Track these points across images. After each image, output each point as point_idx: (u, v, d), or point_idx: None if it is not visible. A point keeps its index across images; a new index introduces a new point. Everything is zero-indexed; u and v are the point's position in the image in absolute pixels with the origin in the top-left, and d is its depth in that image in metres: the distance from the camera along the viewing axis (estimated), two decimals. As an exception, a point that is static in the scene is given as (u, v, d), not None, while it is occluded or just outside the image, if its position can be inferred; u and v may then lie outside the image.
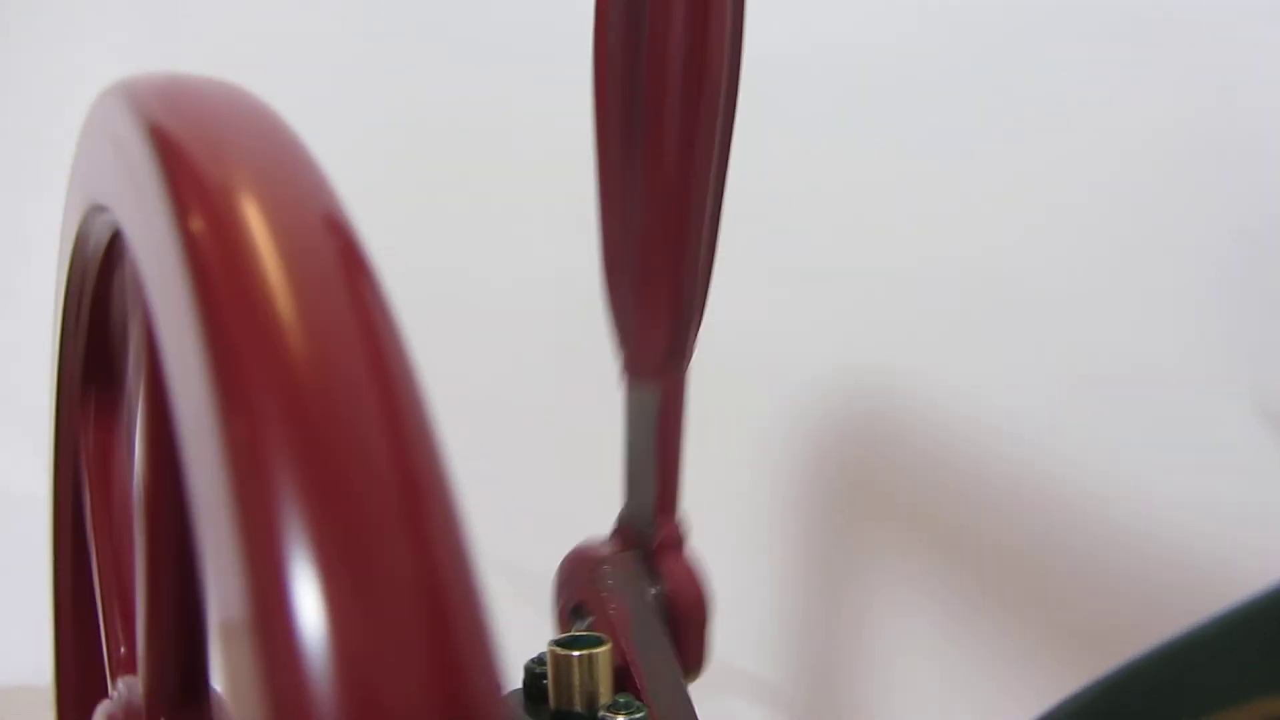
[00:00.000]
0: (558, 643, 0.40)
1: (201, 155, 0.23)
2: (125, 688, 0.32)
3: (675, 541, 0.48)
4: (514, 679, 0.42)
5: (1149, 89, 0.67)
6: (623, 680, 0.40)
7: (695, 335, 0.48)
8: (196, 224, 0.21)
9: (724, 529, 0.86)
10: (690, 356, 0.48)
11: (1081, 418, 0.70)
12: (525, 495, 0.91)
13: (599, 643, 0.40)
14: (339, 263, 0.22)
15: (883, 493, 0.79)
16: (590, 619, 0.44)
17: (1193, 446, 0.66)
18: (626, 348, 0.48)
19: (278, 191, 0.22)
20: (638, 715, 0.37)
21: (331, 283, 0.21)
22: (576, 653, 0.39)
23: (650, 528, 0.48)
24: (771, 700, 0.87)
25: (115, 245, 0.34)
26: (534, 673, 0.41)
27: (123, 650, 0.36)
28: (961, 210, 0.75)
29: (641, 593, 0.46)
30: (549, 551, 0.52)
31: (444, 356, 0.97)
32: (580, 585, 0.47)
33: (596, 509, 0.53)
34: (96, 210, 0.31)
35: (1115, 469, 0.68)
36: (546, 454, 0.93)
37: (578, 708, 0.39)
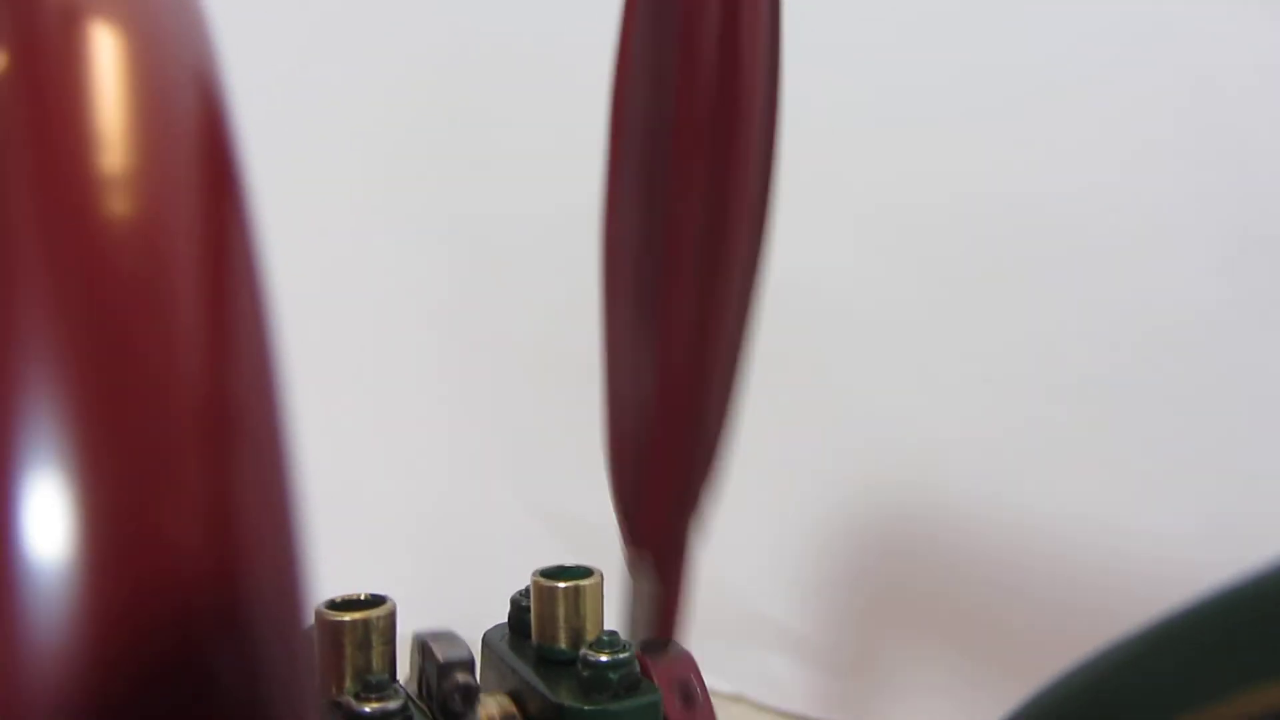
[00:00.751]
0: (543, 573, 0.36)
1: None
2: None
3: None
4: (501, 613, 0.38)
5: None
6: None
7: (703, 504, 0.41)
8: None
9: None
10: (696, 527, 0.41)
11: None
12: (573, 445, 0.88)
13: (587, 574, 0.36)
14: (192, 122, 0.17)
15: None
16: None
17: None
18: (627, 516, 0.41)
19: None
20: (622, 655, 0.33)
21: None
22: (562, 584, 0.35)
23: None
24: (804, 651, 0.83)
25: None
26: (519, 605, 0.37)
27: None
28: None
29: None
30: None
31: (493, 299, 0.94)
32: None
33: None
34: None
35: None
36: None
37: (561, 644, 0.35)
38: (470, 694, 0.32)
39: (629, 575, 0.40)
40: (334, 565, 0.37)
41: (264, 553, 0.13)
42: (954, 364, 0.78)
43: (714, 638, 0.94)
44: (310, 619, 0.14)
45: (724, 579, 0.90)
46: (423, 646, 0.34)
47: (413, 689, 0.34)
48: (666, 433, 0.39)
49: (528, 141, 0.91)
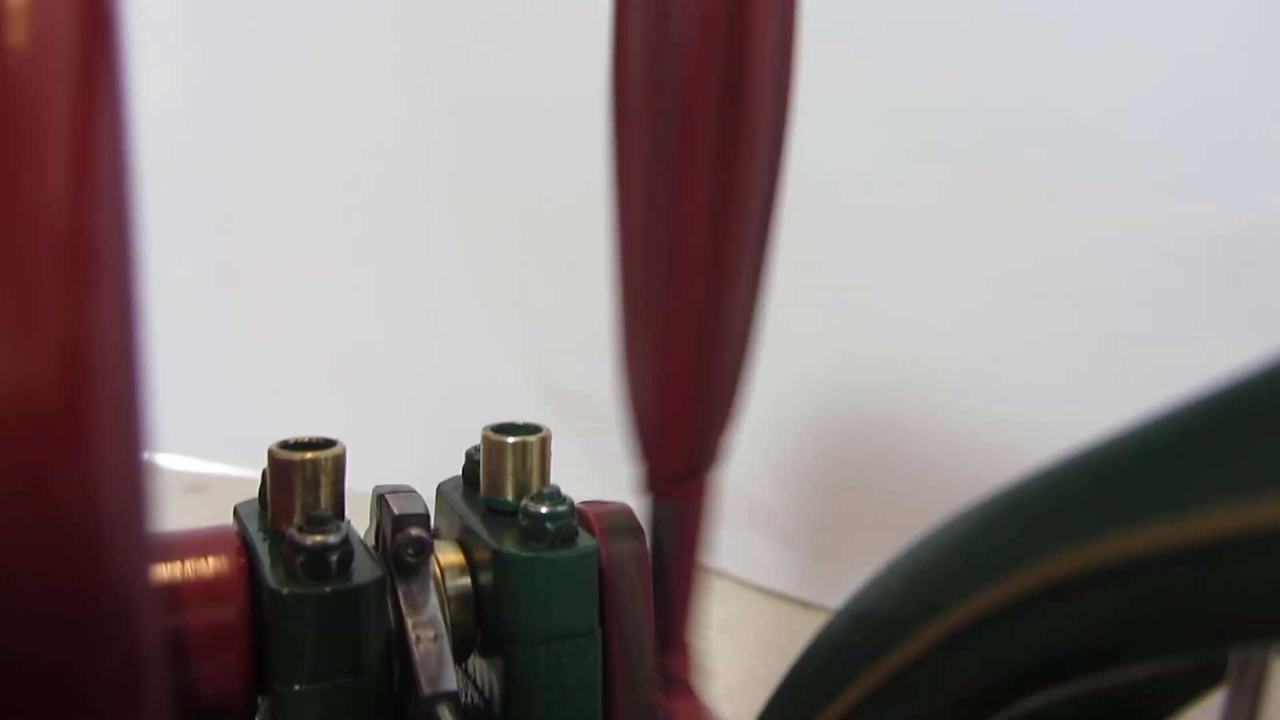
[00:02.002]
0: (493, 428, 0.37)
1: None
2: None
3: (682, 678, 0.40)
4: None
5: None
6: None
7: (721, 450, 0.40)
8: None
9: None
10: (714, 471, 0.40)
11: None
12: (577, 323, 0.89)
13: (535, 431, 0.37)
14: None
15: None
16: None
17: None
18: (644, 461, 0.40)
19: None
20: (561, 508, 0.34)
21: None
22: (511, 439, 0.36)
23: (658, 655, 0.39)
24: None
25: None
26: (472, 459, 0.39)
27: None
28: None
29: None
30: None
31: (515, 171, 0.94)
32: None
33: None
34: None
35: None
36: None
37: (508, 496, 0.36)
38: (422, 548, 0.33)
39: (649, 500, 0.41)
40: (344, 428, 0.39)
41: (112, 387, 0.14)
42: (958, 266, 0.78)
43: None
44: (151, 454, 0.15)
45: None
46: (380, 500, 0.35)
47: (371, 542, 0.36)
48: (680, 395, 0.38)
49: (531, 37, 0.90)
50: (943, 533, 0.20)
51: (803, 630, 0.85)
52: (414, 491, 0.35)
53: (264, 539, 0.33)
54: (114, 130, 0.15)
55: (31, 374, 0.14)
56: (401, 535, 0.33)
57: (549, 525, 0.34)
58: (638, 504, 0.39)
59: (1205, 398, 0.16)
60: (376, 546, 0.35)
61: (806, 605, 0.89)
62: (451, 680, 0.32)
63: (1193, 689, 0.24)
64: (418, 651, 0.32)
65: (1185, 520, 0.15)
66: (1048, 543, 0.18)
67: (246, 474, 1.03)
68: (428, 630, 0.32)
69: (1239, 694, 0.19)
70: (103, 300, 0.14)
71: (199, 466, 1.09)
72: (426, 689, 0.31)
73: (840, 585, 0.87)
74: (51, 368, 0.14)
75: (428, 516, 0.34)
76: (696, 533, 0.41)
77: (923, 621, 0.20)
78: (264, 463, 0.34)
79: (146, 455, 0.14)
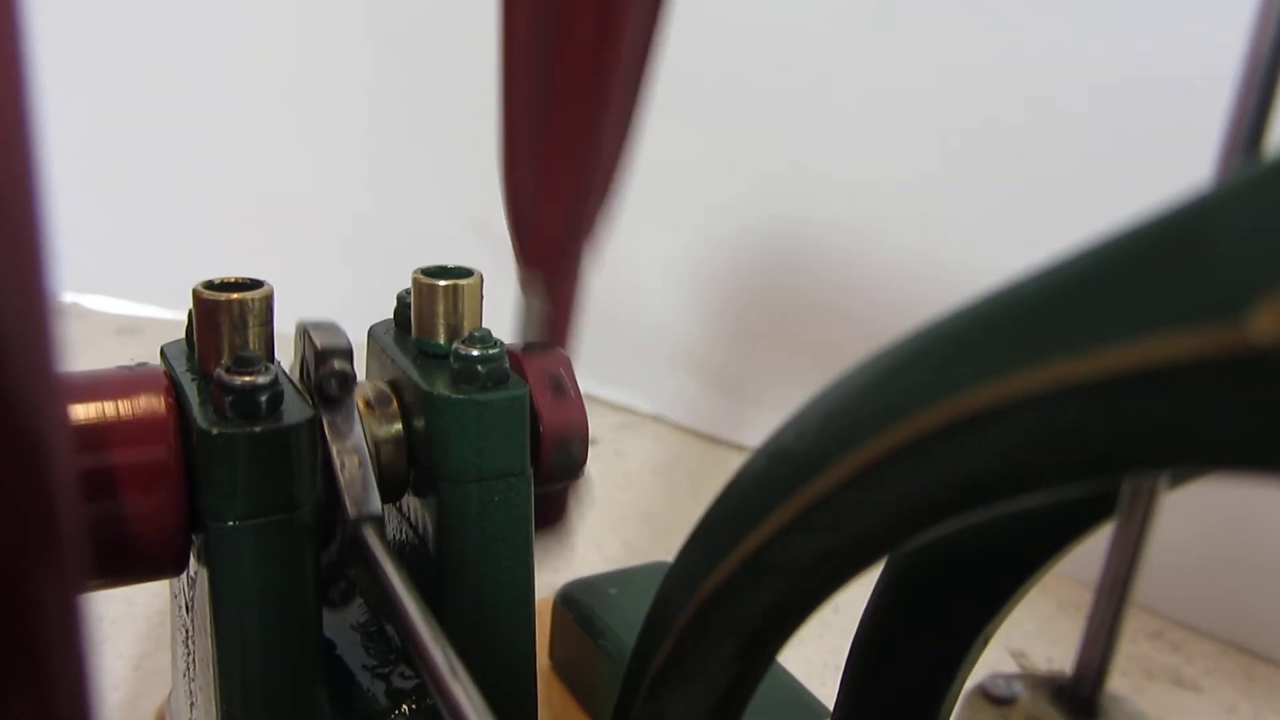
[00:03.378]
0: (424, 271, 0.37)
1: None
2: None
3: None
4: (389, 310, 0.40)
5: None
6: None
7: (597, 224, 0.41)
8: None
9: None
10: (589, 248, 0.42)
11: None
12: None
13: (467, 274, 0.37)
14: None
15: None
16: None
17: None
18: (519, 234, 0.41)
19: None
20: (492, 350, 0.34)
21: None
22: (442, 282, 0.36)
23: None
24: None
25: None
26: (404, 302, 0.39)
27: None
28: None
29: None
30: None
31: None
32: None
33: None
34: None
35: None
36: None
37: (439, 339, 0.36)
38: (346, 381, 0.34)
39: (521, 293, 0.42)
40: (276, 271, 0.38)
41: (6, 223, 0.13)
42: (884, 102, 0.78)
43: (634, 359, 0.97)
44: (55, 310, 0.14)
45: (637, 296, 0.92)
46: (304, 334, 0.35)
47: (296, 376, 0.36)
48: (560, 150, 0.39)
49: None
50: (858, 373, 0.21)
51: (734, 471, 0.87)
52: (336, 325, 0.35)
53: (192, 379, 0.33)
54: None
55: None
56: (324, 368, 0.33)
57: (480, 368, 0.34)
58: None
59: (1105, 242, 0.17)
60: (301, 378, 0.35)
61: (740, 448, 0.92)
62: (377, 505, 0.33)
63: (1085, 522, 0.25)
64: (343, 477, 0.32)
65: (1084, 357, 0.16)
66: (956, 381, 0.18)
67: (179, 316, 1.01)
68: (352, 457, 0.33)
69: (1127, 523, 0.20)
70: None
71: (130, 309, 1.07)
72: (352, 512, 0.32)
73: (766, 428, 0.89)
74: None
75: (350, 349, 0.34)
76: (571, 309, 0.43)
77: (836, 457, 0.21)
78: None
79: (49, 289, 0.14)
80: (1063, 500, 0.25)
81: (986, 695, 0.23)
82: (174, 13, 0.99)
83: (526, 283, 0.41)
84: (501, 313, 0.41)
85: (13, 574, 0.13)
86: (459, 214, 0.96)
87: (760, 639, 0.24)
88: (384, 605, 0.32)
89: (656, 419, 0.95)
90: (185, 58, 1.00)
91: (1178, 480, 0.21)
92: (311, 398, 0.34)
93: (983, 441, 0.18)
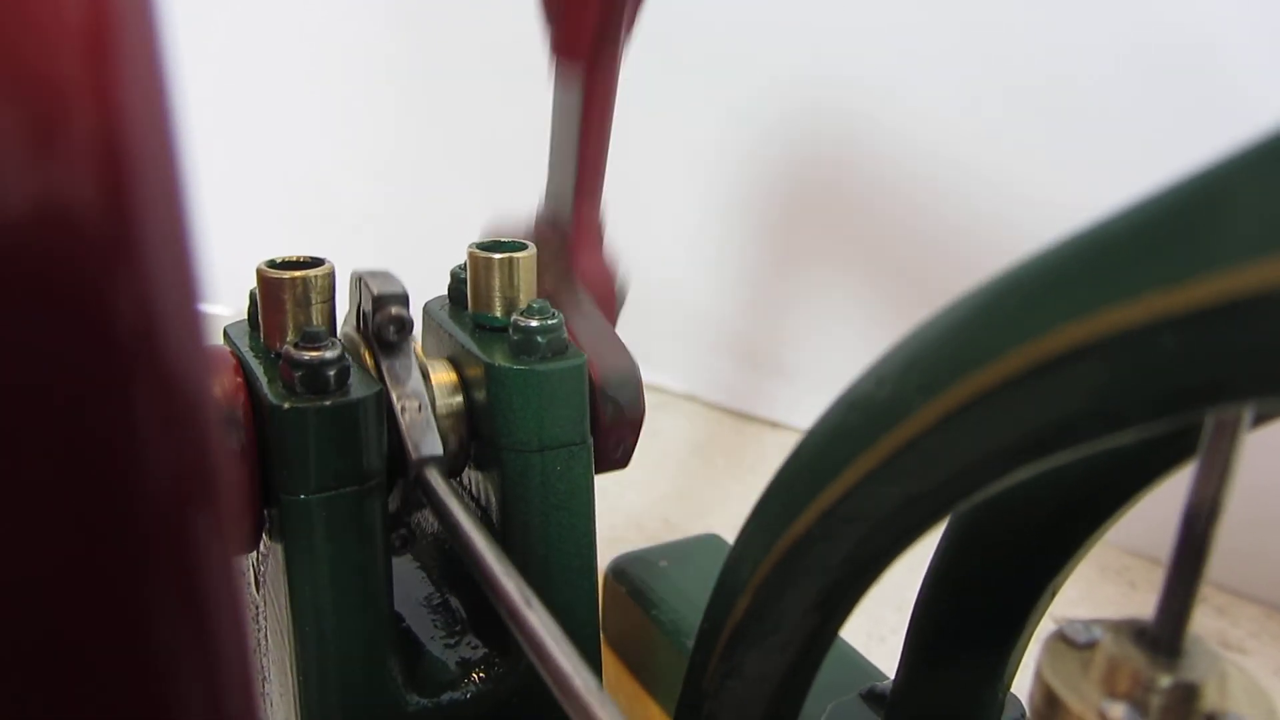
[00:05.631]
0: (480, 245, 0.37)
1: None
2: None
3: (592, 235, 0.44)
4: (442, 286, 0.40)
5: None
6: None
7: (633, 14, 0.41)
8: None
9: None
10: (625, 38, 0.42)
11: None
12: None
13: (522, 248, 0.37)
14: None
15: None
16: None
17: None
18: (554, 22, 0.41)
19: None
20: (551, 321, 0.35)
21: None
22: (497, 256, 0.37)
23: (569, 218, 0.44)
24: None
25: None
26: (458, 277, 0.39)
27: None
28: None
29: (563, 271, 0.43)
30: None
31: None
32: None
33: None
34: None
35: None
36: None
37: (496, 313, 0.37)
38: (404, 325, 0.34)
39: (554, 88, 0.43)
40: (301, 247, 0.38)
41: (154, 189, 0.13)
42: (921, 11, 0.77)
43: (665, 339, 0.97)
44: (200, 255, 0.14)
45: (663, 273, 0.92)
46: (360, 282, 0.35)
47: (352, 326, 0.36)
48: None
49: None
50: (938, 319, 0.21)
51: (770, 446, 0.88)
52: (390, 273, 0.35)
53: (257, 357, 0.33)
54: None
55: (66, 180, 0.12)
56: (381, 314, 0.34)
57: (540, 339, 0.34)
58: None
59: (1194, 175, 0.17)
60: (357, 327, 0.36)
61: (774, 424, 0.92)
62: (437, 446, 0.33)
63: (1155, 470, 0.25)
64: (404, 421, 0.33)
65: (1177, 289, 0.16)
66: (1043, 321, 0.18)
67: (220, 311, 1.02)
68: (412, 401, 0.33)
69: (1210, 463, 0.21)
70: (136, 87, 0.13)
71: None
72: (414, 454, 0.33)
73: (797, 403, 0.88)
74: (88, 173, 0.13)
75: (406, 295, 0.34)
76: (606, 103, 0.43)
77: (919, 403, 0.21)
78: (241, 299, 0.34)
79: (197, 257, 0.14)
80: (1132, 446, 0.25)
81: (1066, 641, 0.23)
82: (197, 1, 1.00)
83: (561, 75, 0.42)
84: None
85: (179, 529, 0.14)
86: (489, 200, 0.96)
87: (840, 589, 0.24)
88: (453, 540, 0.32)
89: (689, 398, 0.95)
90: (211, 49, 1.01)
91: (1261, 418, 0.21)
92: (368, 343, 0.34)
93: (1072, 380, 0.18)
